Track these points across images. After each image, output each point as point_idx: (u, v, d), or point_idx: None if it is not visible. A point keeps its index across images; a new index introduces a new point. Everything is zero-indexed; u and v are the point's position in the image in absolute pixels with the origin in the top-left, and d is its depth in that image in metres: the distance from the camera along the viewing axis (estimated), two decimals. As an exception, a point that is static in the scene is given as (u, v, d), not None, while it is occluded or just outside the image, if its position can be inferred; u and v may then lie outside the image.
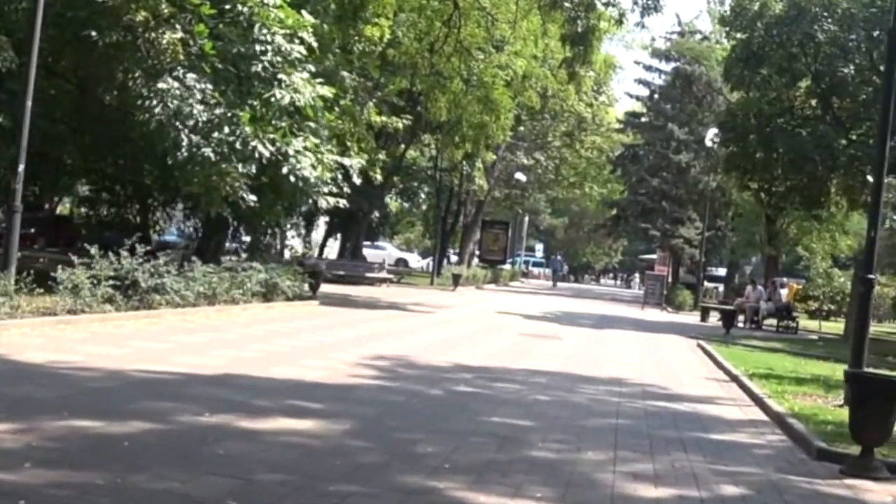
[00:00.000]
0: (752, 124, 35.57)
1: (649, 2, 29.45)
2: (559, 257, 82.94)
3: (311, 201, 27.44)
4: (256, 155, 22.78)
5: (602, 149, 68.69)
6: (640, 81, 63.31)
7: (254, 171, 23.04)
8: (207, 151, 22.09)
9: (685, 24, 64.02)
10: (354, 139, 34.70)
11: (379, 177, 40.09)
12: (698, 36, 62.46)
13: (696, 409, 13.84)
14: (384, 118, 36.00)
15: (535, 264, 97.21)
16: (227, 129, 22.58)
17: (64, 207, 51.98)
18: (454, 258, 71.38)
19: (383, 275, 47.67)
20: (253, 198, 23.92)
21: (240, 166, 22.62)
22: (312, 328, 20.86)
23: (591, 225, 78.84)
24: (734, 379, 17.99)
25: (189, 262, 23.23)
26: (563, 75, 36.43)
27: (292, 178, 24.32)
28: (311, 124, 26.27)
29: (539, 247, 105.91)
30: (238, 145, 22.52)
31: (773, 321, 37.98)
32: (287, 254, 40.29)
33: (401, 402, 11.95)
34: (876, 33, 31.96)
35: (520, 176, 67.42)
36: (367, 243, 76.97)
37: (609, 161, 67.15)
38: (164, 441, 8.50)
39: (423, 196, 62.51)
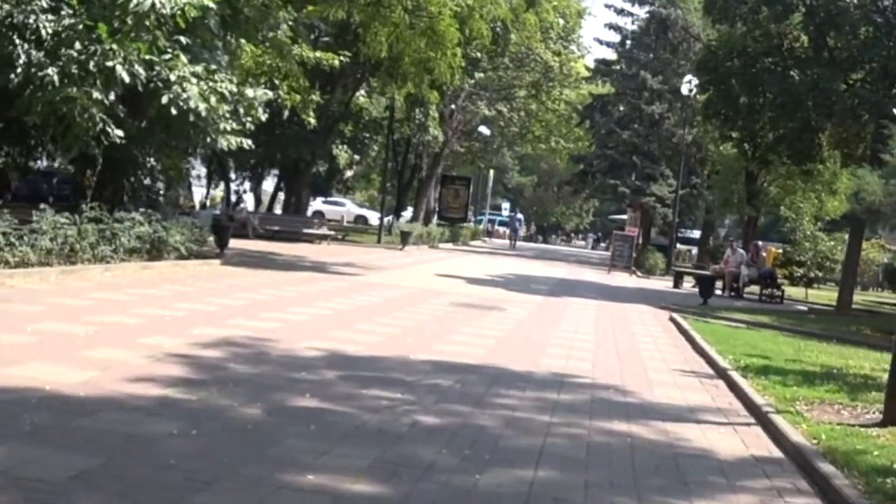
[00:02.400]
0: (736, 64, 30.88)
1: None
2: (519, 215, 77.40)
3: (208, 140, 22.67)
4: (119, 79, 18.15)
5: (570, 101, 63.88)
6: (610, 27, 58.18)
7: (112, 98, 18.35)
8: (51, 72, 17.38)
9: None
10: (281, 76, 30.03)
11: (312, 120, 35.22)
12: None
13: (669, 437, 9.05)
14: (318, 54, 31.25)
15: (502, 223, 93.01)
16: (78, 46, 17.87)
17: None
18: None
19: (323, 231, 43.13)
20: (119, 133, 19.33)
21: (95, 93, 17.90)
22: (175, 296, 16.16)
23: (556, 181, 73.95)
24: (721, 374, 13.31)
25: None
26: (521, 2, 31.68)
27: (174, 110, 19.83)
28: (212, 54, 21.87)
29: (506, 205, 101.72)
30: (92, 66, 17.81)
31: (755, 289, 33.59)
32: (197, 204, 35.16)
33: (166, 434, 7.18)
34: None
35: (483, 129, 62.72)
36: (326, 199, 72.66)
37: (575, 111, 62.22)
38: None
39: (375, 148, 57.34)
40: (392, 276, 26.56)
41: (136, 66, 18.39)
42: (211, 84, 20.69)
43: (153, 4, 17.44)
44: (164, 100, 19.44)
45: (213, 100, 20.60)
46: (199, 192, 60.74)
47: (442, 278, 27.89)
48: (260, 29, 24.51)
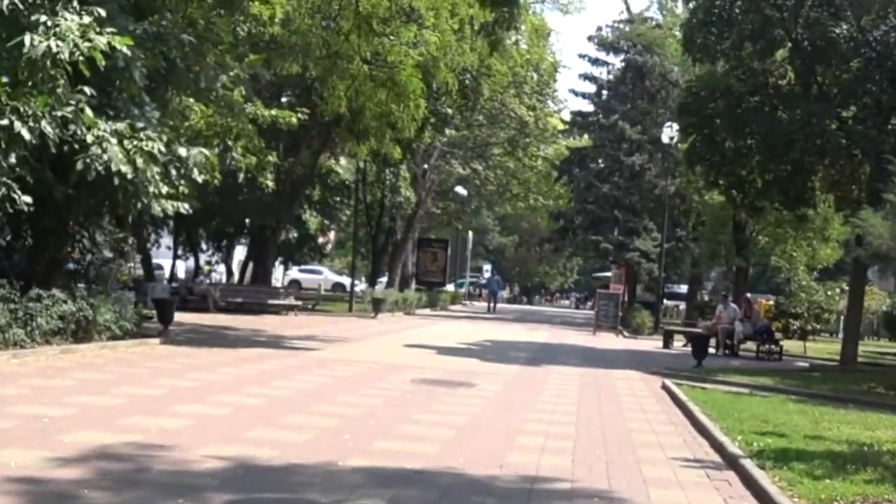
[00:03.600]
0: (720, 106, 28.61)
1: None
2: (497, 276, 73.77)
3: (139, 206, 20.24)
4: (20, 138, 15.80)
5: (548, 157, 61.77)
6: (585, 77, 56.04)
7: (13, 160, 16.00)
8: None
9: (635, 15, 57.25)
10: (233, 136, 27.74)
11: (270, 183, 32.98)
12: (651, 23, 55.64)
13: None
14: (273, 112, 29.10)
15: (484, 286, 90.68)
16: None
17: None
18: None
19: (290, 301, 40.60)
20: (27, 199, 16.91)
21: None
22: (77, 387, 13.66)
23: (537, 240, 71.43)
24: (732, 463, 10.74)
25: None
26: (484, 47, 29.50)
27: (94, 174, 17.55)
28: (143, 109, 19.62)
29: (487, 267, 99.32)
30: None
31: (751, 345, 31.21)
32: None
33: None
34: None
35: (459, 189, 60.51)
36: (303, 268, 70.24)
37: (554, 167, 59.94)
38: None
39: (347, 212, 54.72)
40: (353, 350, 24.07)
41: (44, 124, 16.01)
42: (136, 143, 18.33)
43: (48, 49, 15.03)
44: (80, 165, 17.13)
45: (139, 161, 18.24)
46: (169, 264, 58.47)
47: (410, 349, 25.41)
48: (198, 80, 22.15)
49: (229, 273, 56.10)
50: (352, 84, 28.32)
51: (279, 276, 73.88)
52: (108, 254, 25.31)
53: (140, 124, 18.91)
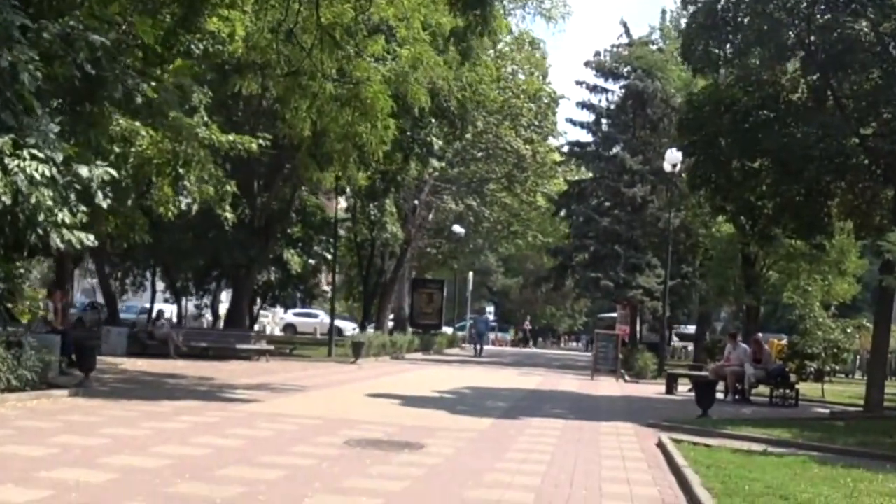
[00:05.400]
0: (725, 121, 25.45)
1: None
2: (485, 317, 67.18)
3: (33, 236, 17.08)
4: None
5: (547, 192, 58.62)
6: (583, 105, 52.86)
7: None
8: None
9: (634, 39, 54.21)
10: (181, 162, 24.64)
11: (229, 214, 29.71)
12: (653, 47, 52.61)
13: None
14: (231, 138, 25.94)
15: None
16: None
17: None
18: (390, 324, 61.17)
19: (261, 346, 37.36)
20: None
21: None
22: None
23: (533, 278, 67.86)
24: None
25: None
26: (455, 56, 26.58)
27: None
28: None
29: (490, 309, 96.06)
30: None
31: (763, 388, 27.89)
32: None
33: None
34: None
35: (457, 228, 57.29)
36: (297, 311, 67.07)
37: (551, 202, 56.69)
38: None
39: (330, 251, 51.21)
40: (301, 402, 20.69)
41: None
42: (18, 163, 15.20)
43: None
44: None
45: (22, 183, 15.12)
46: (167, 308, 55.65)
47: (372, 400, 22.05)
48: (115, 88, 19.01)
49: (215, 317, 53.06)
50: (313, 102, 25.39)
51: (273, 319, 70.96)
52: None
53: (31, 140, 15.81)
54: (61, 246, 17.09)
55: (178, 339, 34.57)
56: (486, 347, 71.15)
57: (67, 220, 16.72)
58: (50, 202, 16.00)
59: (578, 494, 10.97)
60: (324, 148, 27.27)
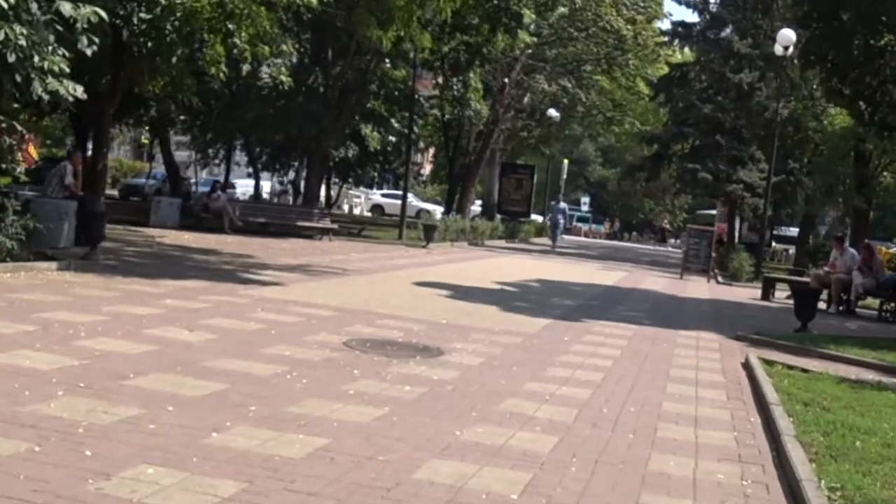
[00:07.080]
0: (850, -10, 21.81)
1: None
2: (562, 204, 60.84)
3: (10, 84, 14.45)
4: None
5: (647, 76, 54.59)
6: (691, -18, 48.63)
7: None
8: None
9: None
10: (228, 15, 21.76)
11: (285, 78, 26.81)
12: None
13: None
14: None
15: (581, 219, 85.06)
16: None
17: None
18: (477, 206, 58.11)
19: (325, 224, 34.81)
20: None
21: None
22: None
23: (625, 167, 64.04)
24: None
25: None
26: None
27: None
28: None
29: (585, 199, 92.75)
30: None
31: (870, 300, 24.47)
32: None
33: None
34: None
35: (552, 112, 53.87)
36: (386, 192, 64.49)
37: (650, 86, 52.67)
38: None
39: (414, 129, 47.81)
40: (332, 288, 17.90)
41: None
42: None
43: None
44: None
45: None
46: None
47: (417, 288, 19.26)
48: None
49: (296, 194, 50.60)
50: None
51: (363, 200, 68.60)
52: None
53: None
54: (45, 96, 14.41)
55: (233, 213, 32.18)
56: (576, 238, 68.05)
57: (55, 69, 14.10)
58: (23, 41, 13.29)
59: (619, 446, 7.88)
60: (385, 4, 24.11)
